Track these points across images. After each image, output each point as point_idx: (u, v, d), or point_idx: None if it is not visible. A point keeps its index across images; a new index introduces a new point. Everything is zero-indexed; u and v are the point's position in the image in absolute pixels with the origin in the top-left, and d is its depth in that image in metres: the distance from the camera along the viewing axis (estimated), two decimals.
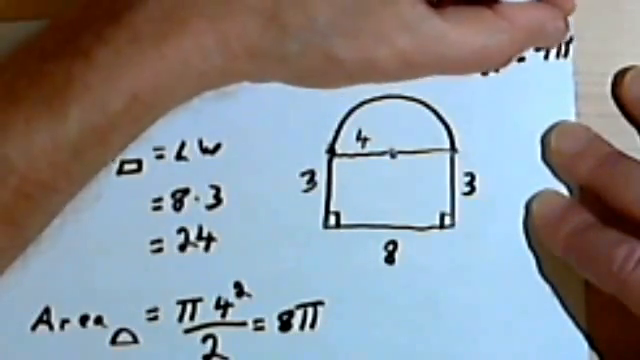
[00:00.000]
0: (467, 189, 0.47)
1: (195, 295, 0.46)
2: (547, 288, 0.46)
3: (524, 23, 0.45)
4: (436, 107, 0.47)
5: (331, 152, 0.47)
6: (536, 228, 0.46)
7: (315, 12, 0.43)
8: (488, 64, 0.46)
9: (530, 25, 0.45)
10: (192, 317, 0.46)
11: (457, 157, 0.47)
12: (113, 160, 0.46)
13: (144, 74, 0.42)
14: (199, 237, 0.47)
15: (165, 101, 0.44)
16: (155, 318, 0.46)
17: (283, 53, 0.43)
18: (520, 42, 0.45)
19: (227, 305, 0.46)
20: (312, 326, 0.46)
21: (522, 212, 0.46)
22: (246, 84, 0.46)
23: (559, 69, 0.47)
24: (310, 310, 0.46)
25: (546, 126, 0.46)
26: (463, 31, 0.44)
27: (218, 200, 0.47)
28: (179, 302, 0.46)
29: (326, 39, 0.43)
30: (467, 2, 0.45)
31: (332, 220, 0.47)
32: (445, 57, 0.45)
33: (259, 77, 0.45)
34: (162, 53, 0.42)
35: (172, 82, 0.43)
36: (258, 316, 0.46)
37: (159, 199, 0.47)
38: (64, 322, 0.46)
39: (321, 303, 0.46)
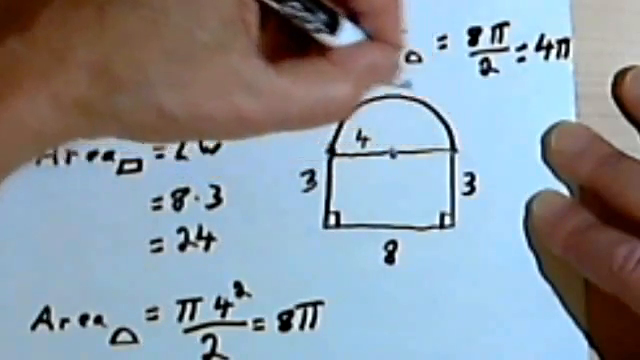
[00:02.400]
0: (467, 189, 0.46)
1: (195, 295, 0.46)
2: (547, 288, 0.46)
3: (359, 67, 0.44)
4: (436, 107, 0.47)
5: (331, 152, 0.47)
6: (536, 228, 0.46)
7: (145, 64, 0.41)
8: (332, 115, 0.45)
9: (365, 67, 0.44)
10: (192, 317, 0.46)
11: (457, 157, 0.47)
12: None
13: None
14: (199, 237, 0.47)
15: (2, 163, 0.43)
16: (155, 318, 0.46)
17: (114, 108, 0.41)
18: (359, 86, 0.44)
19: (227, 305, 0.46)
20: (312, 326, 0.46)
21: (522, 212, 0.46)
22: None
23: (559, 69, 0.47)
24: (310, 310, 0.46)
25: (546, 126, 0.46)
26: (301, 85, 0.43)
27: (218, 200, 0.47)
28: (179, 302, 0.46)
29: (157, 93, 0.41)
30: (299, 49, 0.44)
31: (332, 220, 0.47)
32: (285, 113, 0.43)
33: (94, 134, 0.44)
34: None
35: (8, 144, 0.42)
36: (258, 316, 0.46)
37: (159, 199, 0.47)
38: (64, 322, 0.46)
39: (321, 303, 0.46)
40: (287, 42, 0.45)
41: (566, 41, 0.47)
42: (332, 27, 0.43)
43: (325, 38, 0.43)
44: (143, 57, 0.41)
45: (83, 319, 0.46)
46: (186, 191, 0.47)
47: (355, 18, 0.44)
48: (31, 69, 0.41)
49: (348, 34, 0.44)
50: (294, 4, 0.42)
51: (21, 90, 0.41)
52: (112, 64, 0.41)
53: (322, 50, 0.44)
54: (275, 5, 0.42)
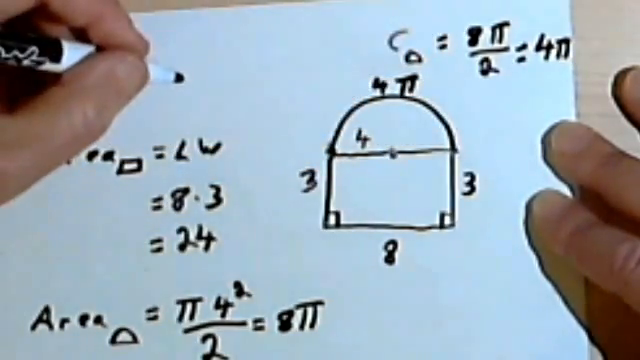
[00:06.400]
0: (467, 189, 0.46)
1: (195, 295, 0.46)
2: (547, 288, 0.46)
3: (92, 81, 0.42)
4: (436, 107, 0.47)
5: (331, 152, 0.47)
6: (537, 228, 0.46)
7: None
8: (85, 138, 0.42)
9: (99, 80, 0.42)
10: (192, 317, 0.46)
11: (457, 157, 0.47)
12: None
13: None
14: (199, 237, 0.47)
15: None
16: (155, 318, 0.46)
17: None
18: (101, 101, 0.42)
19: (227, 305, 0.46)
20: (312, 326, 0.46)
21: (522, 212, 0.46)
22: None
23: (559, 69, 0.47)
24: (310, 310, 0.46)
25: (546, 126, 0.46)
26: (38, 121, 0.41)
27: (218, 200, 0.47)
28: (179, 302, 0.46)
29: None
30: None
31: (332, 220, 0.47)
32: (38, 153, 0.41)
33: None
34: None
35: None
36: (258, 316, 0.46)
37: (159, 199, 0.47)
38: (64, 322, 0.46)
39: (321, 303, 0.46)
40: (27, 88, 0.43)
41: (566, 41, 0.47)
42: (54, 54, 0.42)
43: (51, 68, 0.42)
44: None
45: (83, 319, 0.46)
46: (186, 191, 0.47)
47: (84, 35, 0.43)
48: None
49: (74, 54, 0.42)
50: None
51: None
52: None
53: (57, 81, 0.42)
54: None
